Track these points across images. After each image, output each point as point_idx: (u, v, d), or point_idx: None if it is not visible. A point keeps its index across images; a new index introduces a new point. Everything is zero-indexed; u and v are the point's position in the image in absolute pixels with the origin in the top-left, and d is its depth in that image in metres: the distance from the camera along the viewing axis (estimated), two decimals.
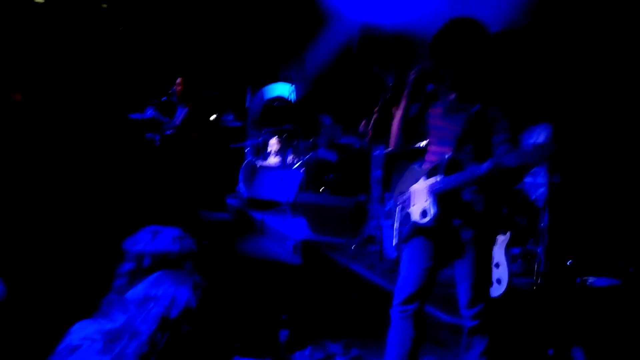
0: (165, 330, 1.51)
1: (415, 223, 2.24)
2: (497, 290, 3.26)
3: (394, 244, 2.37)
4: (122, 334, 1.49)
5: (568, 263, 3.98)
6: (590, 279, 3.75)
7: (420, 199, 2.24)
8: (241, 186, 6.22)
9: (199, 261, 1.73)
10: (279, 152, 6.28)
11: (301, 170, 5.87)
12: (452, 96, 2.25)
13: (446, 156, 2.17)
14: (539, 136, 4.11)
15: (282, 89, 7.46)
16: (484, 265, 2.26)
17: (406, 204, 2.33)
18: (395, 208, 2.41)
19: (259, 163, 6.25)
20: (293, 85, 7.34)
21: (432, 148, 2.32)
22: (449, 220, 2.22)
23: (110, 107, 7.49)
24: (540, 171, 4.12)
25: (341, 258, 4.27)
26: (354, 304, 3.73)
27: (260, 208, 5.83)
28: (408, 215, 2.30)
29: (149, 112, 6.29)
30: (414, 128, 2.40)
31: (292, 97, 6.89)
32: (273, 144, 6.36)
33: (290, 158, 6.27)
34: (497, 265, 3.30)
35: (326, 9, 6.64)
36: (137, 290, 1.58)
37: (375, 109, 5.00)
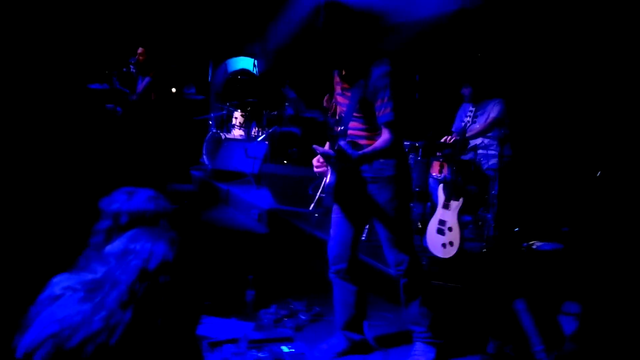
0: (144, 280, 1.61)
1: (328, 186, 2.44)
2: (449, 252, 3.52)
3: (311, 207, 2.56)
4: (103, 284, 1.59)
5: (515, 230, 4.30)
6: (536, 244, 4.08)
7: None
8: (205, 158, 6.25)
9: (173, 219, 1.85)
10: (243, 125, 6.34)
11: (265, 143, 5.97)
12: (342, 74, 2.46)
13: (338, 129, 2.42)
14: (492, 110, 4.37)
15: (245, 63, 7.46)
16: (399, 224, 2.44)
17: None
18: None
19: (224, 135, 6.29)
20: (256, 60, 7.35)
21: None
22: (355, 183, 2.43)
23: (69, 76, 7.28)
24: (492, 143, 4.40)
25: (305, 226, 4.44)
26: (317, 269, 3.92)
27: (225, 179, 5.91)
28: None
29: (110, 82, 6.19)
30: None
31: (255, 70, 6.90)
32: (237, 116, 6.40)
33: (254, 131, 6.34)
34: (450, 229, 3.54)
35: None
36: (116, 245, 1.67)
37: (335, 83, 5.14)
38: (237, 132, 6.39)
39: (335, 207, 2.57)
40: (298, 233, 4.46)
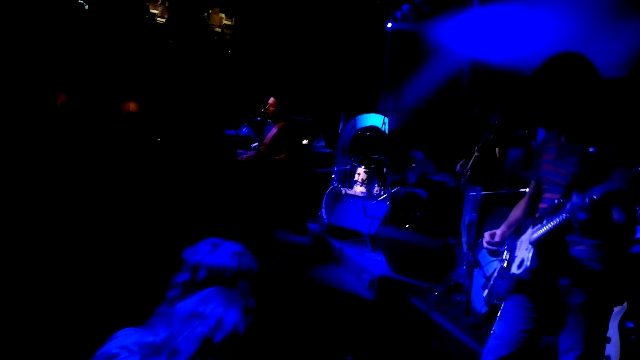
0: (207, 355, 1.36)
1: (513, 275, 1.98)
2: None
3: (485, 297, 2.11)
4: (162, 351, 1.37)
5: None
6: None
7: (522, 249, 2.00)
8: (323, 212, 6.08)
9: (256, 283, 1.58)
10: (365, 182, 6.08)
11: (387, 203, 5.61)
12: (563, 139, 2.03)
13: (555, 201, 1.90)
14: None
15: (376, 120, 7.33)
16: (596, 338, 1.91)
17: (510, 255, 2.09)
18: (499, 255, 2.17)
19: (344, 190, 6.09)
20: (387, 117, 7.19)
21: (546, 196, 2.09)
22: (553, 278, 1.92)
23: (209, 122, 7.86)
24: None
25: (420, 304, 3.91)
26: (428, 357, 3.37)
27: (341, 237, 5.64)
28: (509, 267, 2.05)
29: (244, 130, 6.47)
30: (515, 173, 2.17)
31: (385, 128, 6.71)
32: (360, 172, 6.18)
33: (376, 189, 6.04)
34: (608, 340, 2.79)
35: (432, 43, 6.47)
36: (186, 304, 1.46)
37: (476, 148, 4.68)
38: (358, 189, 6.15)
39: (514, 299, 2.04)
40: (410, 310, 3.94)
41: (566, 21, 4.36)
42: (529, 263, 1.90)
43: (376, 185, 6.07)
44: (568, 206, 1.76)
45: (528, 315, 2.00)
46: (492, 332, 2.13)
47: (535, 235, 1.92)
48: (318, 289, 4.52)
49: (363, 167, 6.20)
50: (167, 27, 9.28)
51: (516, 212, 2.26)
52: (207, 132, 7.37)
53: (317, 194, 6.41)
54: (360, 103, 7.80)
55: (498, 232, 2.21)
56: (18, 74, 7.29)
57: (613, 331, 2.77)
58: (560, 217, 1.80)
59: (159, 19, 9.42)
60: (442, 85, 6.44)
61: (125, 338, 1.40)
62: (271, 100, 5.25)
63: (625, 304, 2.79)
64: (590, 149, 1.88)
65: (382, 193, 5.93)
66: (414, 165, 6.37)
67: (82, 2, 8.40)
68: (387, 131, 6.84)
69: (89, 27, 8.32)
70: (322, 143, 7.90)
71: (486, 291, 2.12)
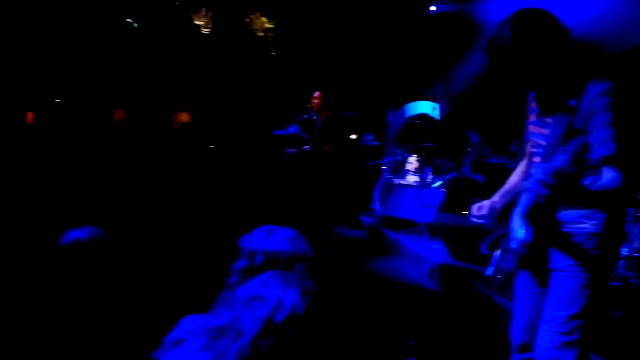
0: (269, 334, 1.39)
1: (513, 250, 1.84)
2: None
3: (488, 271, 1.95)
4: (226, 333, 1.42)
5: None
6: None
7: (516, 221, 1.85)
8: (376, 204, 6.03)
9: (312, 265, 1.58)
10: (417, 171, 5.98)
11: (442, 190, 5.48)
12: (542, 96, 1.90)
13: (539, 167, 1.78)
14: None
15: (425, 107, 7.19)
16: (579, 302, 1.74)
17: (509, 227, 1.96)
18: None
19: (397, 181, 6.01)
20: (437, 104, 7.03)
21: (534, 159, 1.96)
22: (547, 247, 1.84)
23: (259, 125, 8.01)
24: None
25: (484, 288, 3.79)
26: (496, 342, 3.25)
27: (396, 228, 5.57)
28: (509, 241, 1.92)
29: (291, 129, 6.53)
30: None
31: (436, 114, 6.56)
32: (412, 162, 6.08)
33: (429, 177, 5.92)
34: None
35: (479, 22, 6.26)
36: (246, 289, 1.50)
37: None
38: (411, 178, 6.05)
39: (522, 275, 1.98)
40: (475, 295, 3.83)
41: None
42: (522, 236, 1.77)
43: (429, 173, 5.95)
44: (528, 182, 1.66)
45: (538, 291, 1.90)
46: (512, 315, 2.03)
47: (523, 206, 1.78)
48: (376, 281, 4.49)
49: (415, 155, 6.10)
50: (212, 37, 9.53)
51: (512, 179, 2.12)
52: (257, 134, 7.51)
53: (369, 187, 6.37)
54: (407, 92, 7.68)
55: (486, 202, 2.06)
56: (79, 96, 7.75)
57: None
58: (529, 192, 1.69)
59: (203, 29, 9.70)
60: (488, 68, 6.21)
61: (191, 323, 1.46)
62: (316, 94, 5.29)
63: None
64: (571, 102, 1.71)
65: (435, 180, 5.81)
66: (469, 150, 6.19)
67: (130, 20, 8.79)
68: (438, 117, 6.69)
69: (139, 43, 8.71)
70: (372, 137, 7.84)
71: (491, 267, 1.97)
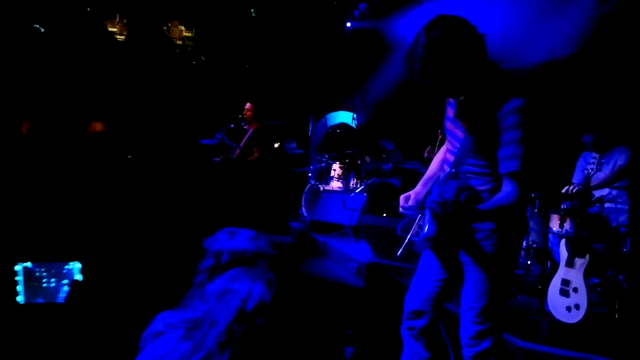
0: (242, 322, 1.56)
1: (423, 235, 1.92)
2: (575, 317, 3.07)
3: (398, 252, 2.10)
4: (202, 323, 1.56)
5: None
6: None
7: (425, 213, 1.95)
8: (304, 210, 6.29)
9: (272, 261, 1.79)
10: (341, 177, 6.33)
11: (364, 195, 5.87)
12: (459, 99, 1.93)
13: (448, 171, 1.94)
14: (619, 158, 3.92)
15: (344, 117, 7.59)
16: (491, 289, 1.90)
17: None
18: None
19: (322, 187, 6.31)
20: (355, 113, 7.45)
21: (448, 157, 2.04)
22: (456, 231, 1.93)
23: (182, 134, 7.95)
24: (621, 195, 3.90)
25: (406, 281, 4.18)
26: None
27: (323, 231, 5.86)
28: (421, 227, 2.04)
29: (218, 137, 6.59)
30: None
31: (354, 123, 6.98)
32: (336, 168, 6.43)
33: (352, 182, 6.30)
34: (575, 290, 3.11)
35: (390, 38, 6.76)
36: (216, 284, 1.65)
37: (439, 131, 4.96)
38: (335, 184, 6.39)
39: (426, 254, 2.11)
40: (398, 288, 4.20)
41: (515, 5, 4.70)
42: (425, 230, 1.85)
43: (352, 178, 6.33)
44: (428, 200, 1.76)
45: (438, 264, 2.04)
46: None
47: (431, 204, 1.80)
48: (307, 281, 4.72)
49: (338, 163, 6.44)
50: (127, 44, 9.28)
51: (431, 168, 2.20)
52: (181, 144, 7.46)
53: (295, 194, 6.61)
54: (327, 102, 8.04)
55: (412, 193, 2.13)
56: None
57: (579, 282, 3.09)
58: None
59: (118, 36, 9.41)
60: (403, 77, 6.72)
61: (167, 317, 1.59)
62: (247, 105, 5.43)
63: (587, 256, 3.12)
64: (485, 114, 1.77)
65: (358, 186, 6.19)
66: (384, 156, 6.66)
67: (37, 26, 8.33)
68: (356, 126, 7.10)
69: (47, 50, 8.26)
70: (294, 145, 8.10)
71: (400, 249, 2.10)
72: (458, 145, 1.94)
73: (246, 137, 5.43)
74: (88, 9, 8.94)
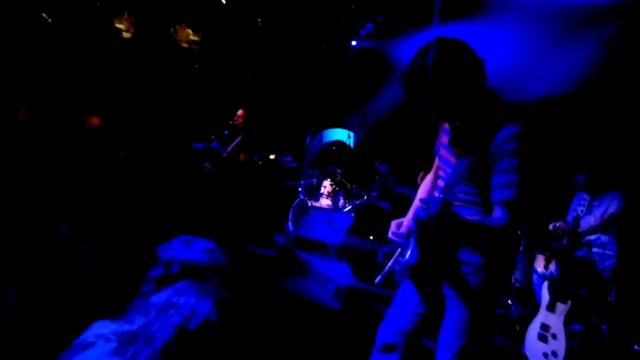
0: (181, 341, 1.45)
1: (403, 263, 1.81)
2: None
3: (376, 280, 1.95)
4: (138, 338, 1.45)
5: (635, 347, 3.55)
6: None
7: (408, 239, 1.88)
8: (290, 224, 6.17)
9: (227, 276, 1.67)
10: (331, 195, 6.22)
11: (352, 215, 5.76)
12: (454, 124, 1.88)
13: (436, 195, 1.87)
14: (611, 205, 3.82)
15: (341, 134, 7.53)
16: (471, 328, 1.80)
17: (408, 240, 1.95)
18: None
19: (311, 203, 6.21)
20: (352, 132, 7.39)
21: (439, 183, 1.99)
22: (435, 273, 1.86)
23: (176, 136, 7.88)
24: (610, 241, 3.80)
25: (384, 309, 4.04)
26: None
27: (307, 248, 5.74)
28: (402, 253, 1.92)
29: (213, 144, 6.53)
30: None
31: (350, 142, 6.90)
32: (326, 185, 6.33)
33: (341, 201, 6.19)
34: (555, 337, 2.98)
35: (394, 60, 6.74)
36: (160, 296, 1.55)
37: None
38: (324, 202, 6.29)
39: (405, 284, 2.01)
40: (375, 315, 4.06)
41: (518, 39, 4.66)
42: (407, 257, 1.76)
43: (341, 197, 6.22)
44: (412, 218, 1.65)
45: (416, 297, 1.94)
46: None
47: (413, 227, 1.71)
48: (284, 299, 4.59)
49: (329, 180, 6.34)
50: (133, 42, 9.27)
51: (421, 194, 2.13)
52: (174, 145, 7.38)
53: (284, 207, 6.50)
54: (326, 119, 8.00)
55: (405, 220, 2.01)
56: None
57: (559, 328, 2.97)
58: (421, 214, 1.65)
59: (124, 33, 9.41)
60: (404, 100, 6.69)
61: (101, 327, 1.47)
62: (239, 112, 5.38)
63: (569, 302, 3.00)
64: (481, 140, 1.72)
65: (347, 205, 6.08)
66: (377, 177, 6.57)
67: (45, 16, 8.31)
68: (352, 145, 7.03)
69: (52, 41, 8.24)
70: (290, 158, 8.03)
71: (379, 276, 1.95)
72: (449, 173, 1.88)
73: (234, 142, 5.37)
74: (97, 4, 8.96)
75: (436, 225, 1.58)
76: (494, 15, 4.90)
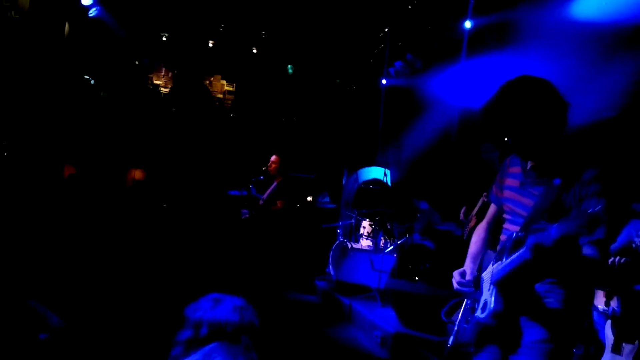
0: None
1: (478, 320, 1.81)
2: None
3: (449, 343, 1.90)
4: None
5: None
6: None
7: (485, 289, 1.84)
8: (331, 268, 6.02)
9: (258, 337, 1.57)
10: (371, 235, 6.07)
11: (394, 256, 5.57)
12: (529, 165, 1.90)
13: (514, 235, 1.80)
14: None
15: (377, 172, 7.43)
16: None
17: (476, 295, 1.91)
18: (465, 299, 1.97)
19: (350, 244, 6.06)
20: (388, 169, 7.29)
21: (506, 226, 1.97)
22: (516, 319, 1.78)
23: (214, 185, 8.00)
24: None
25: (435, 358, 3.80)
26: None
27: (349, 292, 5.55)
28: (473, 309, 1.88)
29: (249, 190, 6.56)
30: None
31: (387, 180, 6.78)
32: (365, 225, 6.18)
33: (382, 241, 6.02)
34: None
35: (425, 95, 6.68)
36: None
37: (485, 193, 4.67)
38: (364, 242, 6.13)
39: (487, 351, 1.89)
40: None
41: (552, 66, 4.50)
42: (492, 305, 1.75)
43: (382, 237, 6.05)
44: (524, 248, 1.65)
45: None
46: None
47: (496, 274, 1.77)
48: (328, 348, 4.41)
49: (368, 220, 6.20)
50: (170, 96, 9.64)
51: (477, 243, 2.11)
52: (212, 194, 7.48)
53: (324, 250, 6.37)
54: (361, 157, 7.94)
55: (467, 269, 2.02)
56: (26, 147, 7.52)
57: None
58: (519, 257, 1.68)
59: (162, 89, 9.82)
60: (438, 135, 6.57)
61: None
62: (273, 157, 5.39)
63: (636, 342, 2.71)
64: (555, 181, 1.75)
65: (388, 245, 5.90)
66: (418, 215, 6.37)
67: (88, 77, 8.78)
68: (389, 183, 6.90)
69: (96, 100, 8.67)
70: (327, 199, 7.96)
71: (451, 338, 1.91)
72: (526, 213, 1.85)
73: (270, 189, 5.36)
74: (136, 62, 9.43)
75: (551, 245, 1.57)
76: (527, 43, 4.77)
